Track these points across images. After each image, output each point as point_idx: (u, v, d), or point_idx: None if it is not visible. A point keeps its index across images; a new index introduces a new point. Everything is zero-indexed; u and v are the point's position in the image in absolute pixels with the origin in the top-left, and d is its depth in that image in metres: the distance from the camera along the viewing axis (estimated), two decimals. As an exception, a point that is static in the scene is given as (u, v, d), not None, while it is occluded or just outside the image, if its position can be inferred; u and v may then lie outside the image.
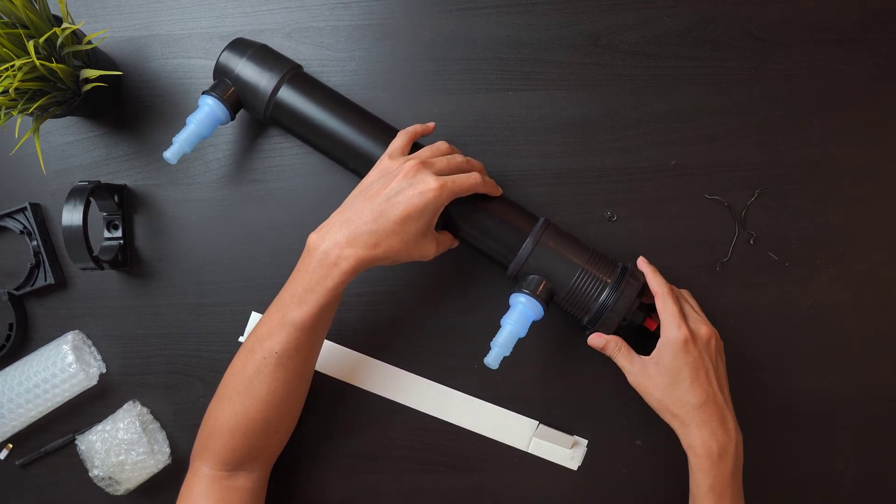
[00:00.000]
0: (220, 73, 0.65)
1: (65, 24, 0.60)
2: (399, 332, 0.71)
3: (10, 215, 0.72)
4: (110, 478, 0.68)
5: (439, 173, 0.58)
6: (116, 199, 0.71)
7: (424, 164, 0.58)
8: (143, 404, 0.72)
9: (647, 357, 0.62)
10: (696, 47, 0.70)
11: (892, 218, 0.70)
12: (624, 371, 0.63)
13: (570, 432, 0.70)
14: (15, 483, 0.72)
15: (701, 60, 0.70)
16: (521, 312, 0.61)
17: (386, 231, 0.56)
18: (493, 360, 0.61)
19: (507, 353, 0.61)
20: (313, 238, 0.58)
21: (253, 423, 0.60)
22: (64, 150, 0.73)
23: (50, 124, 0.73)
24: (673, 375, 0.60)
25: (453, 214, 0.62)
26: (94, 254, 0.66)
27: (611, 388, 0.69)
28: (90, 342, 0.72)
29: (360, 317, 0.71)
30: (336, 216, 0.58)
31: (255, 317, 0.71)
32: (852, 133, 0.70)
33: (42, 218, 0.72)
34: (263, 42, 0.67)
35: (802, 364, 0.70)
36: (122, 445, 0.68)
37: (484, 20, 0.71)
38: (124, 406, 0.71)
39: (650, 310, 0.64)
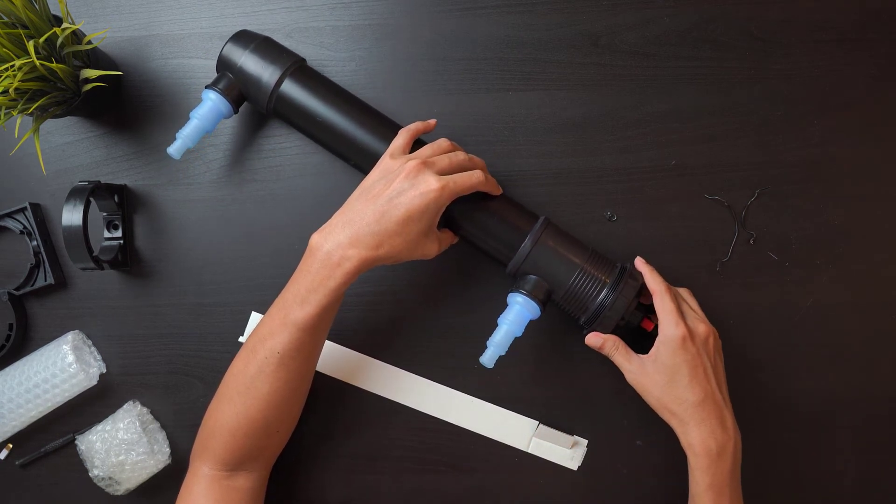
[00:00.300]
0: (223, 64, 0.65)
1: (65, 24, 0.60)
2: (399, 332, 0.71)
3: (10, 215, 0.72)
4: (110, 478, 0.68)
5: (441, 172, 0.58)
6: (116, 199, 0.71)
7: (426, 164, 0.58)
8: (143, 404, 0.72)
9: (645, 355, 0.62)
10: (696, 47, 0.70)
11: (892, 218, 0.70)
12: (622, 370, 0.63)
13: (570, 432, 0.70)
14: (15, 483, 0.72)
15: (701, 60, 0.70)
16: (518, 313, 0.62)
17: (388, 232, 0.56)
18: (488, 359, 0.61)
19: (503, 353, 0.62)
20: (316, 238, 0.58)
21: (254, 423, 0.60)
22: (64, 150, 0.73)
23: (50, 124, 0.73)
24: (671, 373, 0.60)
25: (454, 212, 0.62)
26: (94, 254, 0.66)
27: (611, 388, 0.69)
28: (90, 342, 0.72)
29: (360, 317, 0.71)
30: (338, 217, 0.58)
31: (255, 317, 0.71)
32: (852, 133, 0.70)
33: (42, 218, 0.72)
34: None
35: (802, 364, 0.70)
36: (122, 445, 0.68)
37: (484, 20, 0.71)
38: (124, 406, 0.71)
39: (649, 310, 0.64)
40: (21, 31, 0.59)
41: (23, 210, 0.71)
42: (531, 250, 0.62)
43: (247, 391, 0.59)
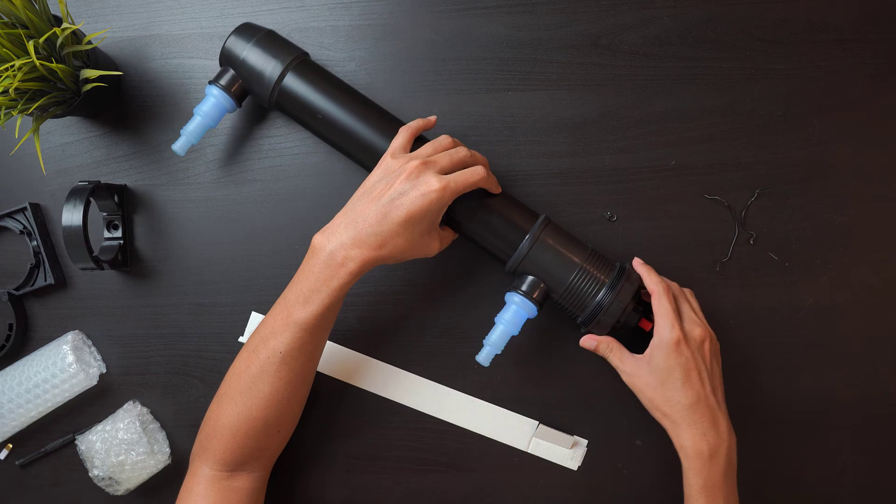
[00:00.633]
0: (226, 57, 0.65)
1: (65, 24, 0.60)
2: (399, 332, 0.71)
3: (10, 215, 0.72)
4: (110, 478, 0.68)
5: (442, 171, 0.58)
6: (116, 199, 0.71)
7: (427, 165, 0.58)
8: (143, 404, 0.72)
9: (640, 356, 0.62)
10: (696, 47, 0.70)
11: (891, 218, 0.70)
12: (617, 370, 0.64)
13: (570, 432, 0.70)
14: (15, 483, 0.72)
15: (701, 60, 0.70)
16: (515, 312, 0.62)
17: (391, 233, 0.57)
18: (484, 357, 0.62)
19: (500, 352, 0.62)
20: (318, 239, 0.58)
21: (255, 423, 0.60)
22: (64, 150, 0.73)
23: (50, 124, 0.73)
24: (664, 375, 0.60)
25: (454, 210, 0.62)
26: (94, 254, 0.66)
27: (610, 388, 0.69)
28: (90, 342, 0.72)
29: (360, 317, 0.71)
30: (341, 217, 0.59)
31: (254, 317, 0.71)
32: (852, 133, 0.70)
33: (42, 218, 0.72)
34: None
35: (802, 364, 0.70)
36: (122, 445, 0.68)
37: (484, 20, 0.71)
38: (124, 406, 0.71)
39: (649, 308, 0.64)
40: (21, 31, 0.59)
41: (23, 210, 0.71)
42: (531, 248, 0.62)
43: (248, 391, 0.59)
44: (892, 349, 0.70)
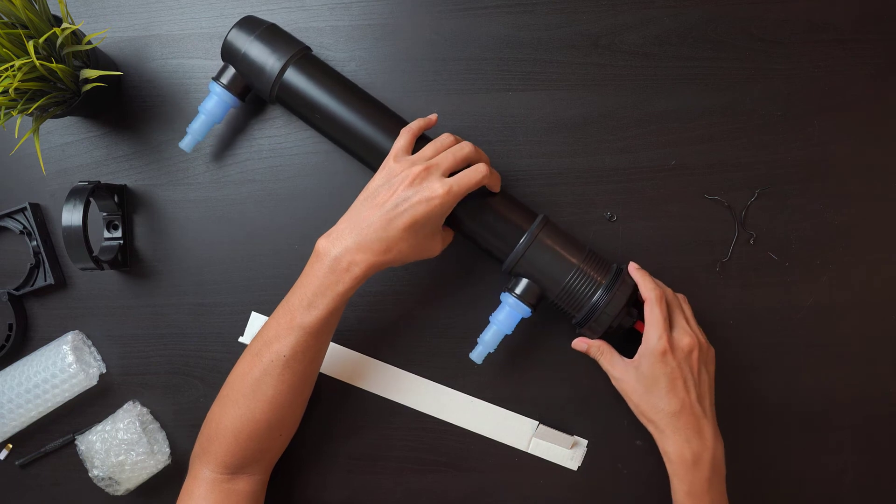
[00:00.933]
0: (228, 50, 0.65)
1: (65, 24, 0.60)
2: (399, 332, 0.71)
3: (10, 215, 0.72)
4: (110, 478, 0.68)
5: (446, 172, 0.58)
6: (116, 199, 0.71)
7: (429, 169, 0.58)
8: (143, 404, 0.71)
9: (629, 361, 0.63)
10: (696, 47, 0.70)
11: (892, 218, 0.70)
12: (607, 374, 0.64)
13: (570, 432, 0.70)
14: (15, 483, 0.72)
15: (701, 60, 0.70)
16: (508, 314, 0.64)
17: (396, 238, 0.57)
18: (477, 355, 0.64)
19: (493, 350, 0.64)
20: (323, 243, 0.58)
21: (257, 426, 0.60)
22: (64, 150, 0.73)
23: (50, 124, 0.73)
24: (650, 383, 0.61)
25: (455, 210, 0.62)
26: (94, 254, 0.66)
27: (610, 388, 0.68)
28: (90, 342, 0.72)
29: (360, 317, 0.71)
30: (345, 222, 0.59)
31: (254, 317, 0.71)
32: (852, 133, 0.70)
33: (42, 218, 0.72)
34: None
35: (802, 364, 0.70)
36: (121, 445, 0.68)
37: (484, 20, 0.71)
38: (124, 406, 0.71)
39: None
40: (21, 31, 0.59)
41: (23, 210, 0.71)
42: (528, 248, 0.62)
43: (251, 394, 0.59)
44: (892, 349, 0.70)
